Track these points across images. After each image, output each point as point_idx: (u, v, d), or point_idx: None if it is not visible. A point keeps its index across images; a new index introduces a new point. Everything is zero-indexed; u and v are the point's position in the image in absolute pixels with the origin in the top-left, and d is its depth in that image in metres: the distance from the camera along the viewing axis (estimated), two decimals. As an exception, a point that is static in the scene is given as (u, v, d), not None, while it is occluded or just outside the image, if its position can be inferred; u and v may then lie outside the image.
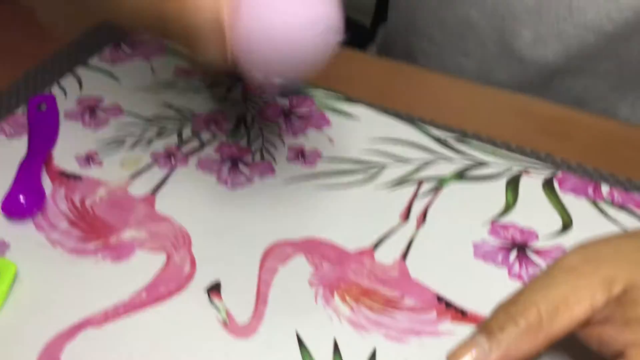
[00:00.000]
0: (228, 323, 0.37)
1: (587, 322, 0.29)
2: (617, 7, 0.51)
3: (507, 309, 0.29)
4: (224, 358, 0.36)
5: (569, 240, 0.41)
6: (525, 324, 0.28)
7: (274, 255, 0.41)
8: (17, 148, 0.49)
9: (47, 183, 0.46)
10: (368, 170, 0.46)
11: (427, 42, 0.65)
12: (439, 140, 0.48)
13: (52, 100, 0.52)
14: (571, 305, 0.29)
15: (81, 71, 0.56)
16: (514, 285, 0.38)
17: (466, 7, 0.58)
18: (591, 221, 0.42)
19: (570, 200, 0.43)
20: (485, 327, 0.29)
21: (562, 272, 0.30)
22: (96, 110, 0.52)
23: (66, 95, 0.54)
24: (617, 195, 0.43)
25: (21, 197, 0.44)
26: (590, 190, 0.44)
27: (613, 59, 0.55)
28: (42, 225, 0.43)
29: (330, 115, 0.51)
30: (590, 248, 0.31)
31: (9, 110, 0.53)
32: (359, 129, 0.49)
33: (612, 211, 0.42)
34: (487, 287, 0.38)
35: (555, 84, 0.59)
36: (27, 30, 0.61)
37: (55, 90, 0.54)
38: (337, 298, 0.38)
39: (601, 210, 0.42)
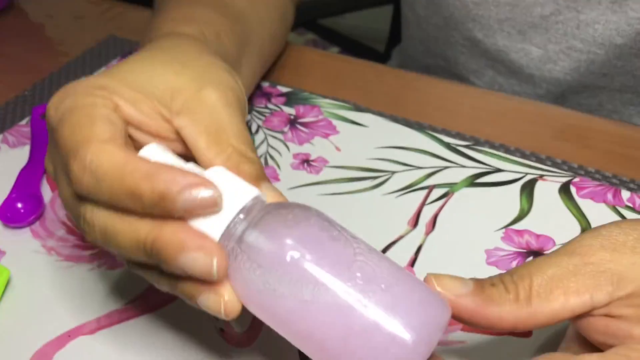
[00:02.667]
0: (226, 331, 0.35)
1: (584, 315, 0.26)
2: (626, 21, 0.50)
3: (503, 276, 0.27)
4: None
5: (588, 246, 0.38)
6: (514, 293, 0.26)
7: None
8: (19, 157, 0.48)
9: (46, 191, 0.45)
10: (376, 177, 0.44)
11: (442, 61, 0.64)
12: (450, 147, 0.46)
13: (55, 110, 0.51)
14: (569, 292, 0.25)
15: (87, 83, 0.55)
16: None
17: (469, 27, 0.57)
18: (612, 227, 0.39)
19: (588, 205, 0.41)
20: (477, 279, 0.27)
21: (569, 254, 0.26)
22: (100, 120, 0.51)
23: (71, 105, 0.53)
24: (639, 200, 0.41)
25: (19, 204, 0.43)
26: (609, 196, 0.41)
27: (626, 75, 0.53)
28: (38, 233, 0.42)
29: (337, 124, 0.49)
30: (607, 235, 0.27)
31: (14, 121, 0.52)
32: (367, 137, 0.48)
33: (633, 217, 0.40)
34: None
35: (569, 101, 0.57)
36: (37, 43, 0.62)
37: (61, 102, 0.53)
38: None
39: (622, 217, 0.40)
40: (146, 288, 0.38)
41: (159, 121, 0.31)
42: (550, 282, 0.26)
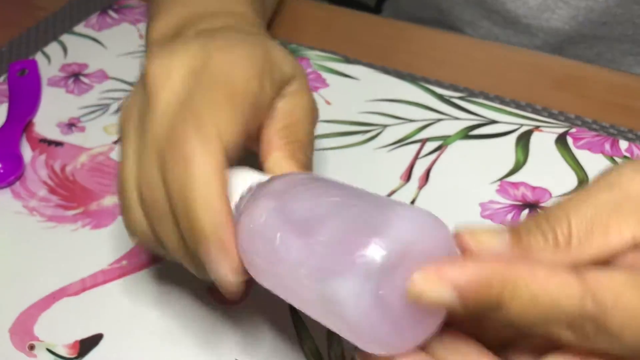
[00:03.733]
0: (214, 289, 0.34)
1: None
2: None
3: (538, 220, 0.24)
4: (211, 326, 0.33)
5: (585, 198, 0.37)
6: (553, 240, 0.23)
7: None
8: (-3, 116, 0.46)
9: (26, 150, 0.44)
10: (367, 131, 0.43)
11: (435, 13, 0.61)
12: (443, 99, 0.45)
13: (33, 66, 0.49)
14: (609, 232, 0.23)
15: (66, 38, 0.53)
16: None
17: None
18: (609, 178, 0.38)
19: (585, 156, 0.40)
20: (512, 227, 0.24)
21: (606, 188, 0.24)
22: (80, 77, 0.49)
23: (50, 61, 0.51)
24: (637, 151, 0.40)
25: (-2, 164, 0.41)
26: (607, 146, 0.40)
27: (625, 23, 0.52)
28: (19, 193, 0.41)
29: (327, 77, 0.48)
30: (633, 169, 0.24)
31: (-9, 79, 0.50)
32: (358, 90, 0.46)
33: (632, 168, 0.39)
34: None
35: (566, 52, 0.55)
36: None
37: (39, 58, 0.51)
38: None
39: (620, 167, 0.39)
40: (131, 248, 0.37)
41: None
42: (590, 223, 0.23)
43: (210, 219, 0.26)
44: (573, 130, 0.42)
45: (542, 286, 0.21)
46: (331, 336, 0.32)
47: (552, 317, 0.21)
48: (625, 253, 0.24)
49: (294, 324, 0.33)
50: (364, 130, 0.43)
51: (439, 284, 0.21)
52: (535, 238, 0.24)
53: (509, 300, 0.21)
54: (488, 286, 0.21)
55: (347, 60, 0.49)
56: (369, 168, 0.41)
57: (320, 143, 0.42)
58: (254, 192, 0.27)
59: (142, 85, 0.30)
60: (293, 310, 0.33)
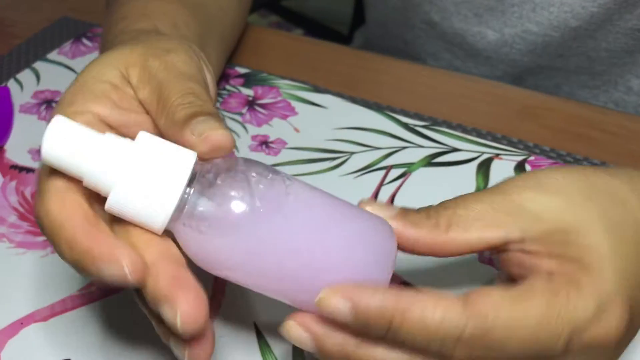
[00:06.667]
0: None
1: (501, 249, 0.28)
2: (580, 3, 0.50)
3: (431, 206, 0.28)
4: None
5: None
6: (435, 220, 0.27)
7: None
8: (-32, 142, 0.46)
9: (-3, 177, 0.44)
10: (335, 158, 0.44)
11: (401, 44, 0.64)
12: (408, 127, 0.46)
13: (6, 93, 0.50)
14: (485, 226, 0.27)
15: (40, 65, 0.54)
16: (484, 271, 0.37)
17: (427, 9, 0.57)
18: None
19: (543, 183, 0.41)
20: (401, 208, 0.28)
21: (496, 192, 0.28)
22: (53, 104, 0.50)
23: (22, 88, 0.52)
24: (591, 178, 0.42)
25: (-32, 190, 0.42)
26: (563, 174, 0.42)
27: (581, 56, 0.54)
28: (-11, 219, 0.41)
29: (296, 105, 0.49)
30: (532, 175, 0.28)
31: (-37, 105, 0.50)
32: (326, 118, 0.48)
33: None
34: (456, 272, 0.36)
35: (526, 82, 0.58)
36: (-15, 25, 0.60)
37: (12, 84, 0.52)
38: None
39: (575, 194, 0.41)
40: (101, 273, 0.37)
41: (134, 106, 0.30)
42: (471, 215, 0.27)
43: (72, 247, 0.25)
44: (532, 158, 0.43)
45: (429, 312, 0.24)
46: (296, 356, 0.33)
47: (439, 339, 0.24)
48: (510, 254, 0.27)
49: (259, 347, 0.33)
50: (331, 157, 0.44)
51: (342, 303, 0.24)
52: (419, 216, 0.28)
53: (398, 326, 0.24)
54: (380, 316, 0.24)
55: (316, 89, 0.50)
56: (336, 194, 0.41)
57: (288, 169, 0.43)
58: (214, 181, 0.26)
59: None
60: (260, 335, 0.34)
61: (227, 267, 0.27)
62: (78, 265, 0.25)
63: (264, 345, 0.33)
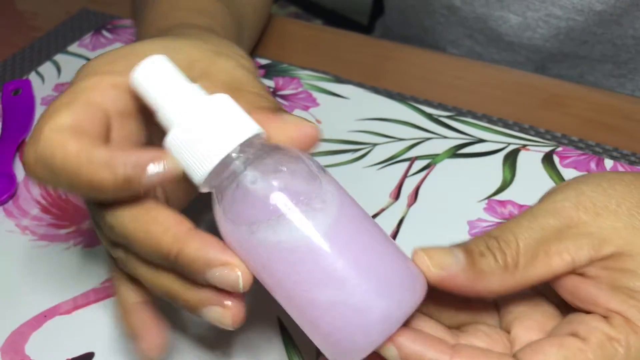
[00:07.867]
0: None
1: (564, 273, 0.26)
2: None
3: (488, 242, 0.26)
4: (203, 343, 0.33)
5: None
6: (503, 262, 0.25)
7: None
8: (-10, 135, 0.47)
9: (19, 169, 0.44)
10: (357, 150, 0.44)
11: (420, 32, 0.63)
12: (432, 118, 0.46)
13: (27, 85, 0.50)
14: (551, 254, 0.25)
15: (60, 58, 0.54)
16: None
17: None
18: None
19: (572, 175, 0.40)
20: (465, 248, 0.26)
21: (551, 214, 0.26)
22: (74, 96, 0.50)
23: (44, 81, 0.52)
24: (622, 169, 0.41)
25: (-9, 183, 0.42)
26: (592, 165, 0.41)
27: (606, 43, 0.53)
28: (12, 212, 0.41)
29: (317, 96, 0.48)
30: (587, 194, 0.26)
31: (-15, 98, 0.51)
32: (348, 109, 0.47)
33: (616, 185, 0.40)
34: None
35: (549, 70, 0.56)
36: (7, 18, 0.60)
37: (33, 77, 0.52)
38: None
39: (605, 185, 0.40)
40: (123, 266, 0.37)
41: None
42: (535, 246, 0.25)
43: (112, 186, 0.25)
44: (559, 149, 0.42)
45: None
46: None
47: None
48: (565, 279, 0.26)
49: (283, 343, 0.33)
50: (353, 149, 0.44)
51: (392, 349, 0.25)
52: (487, 260, 0.25)
53: None
54: None
55: (338, 79, 0.49)
56: (359, 186, 0.41)
57: (310, 162, 0.43)
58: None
59: None
60: (283, 329, 0.34)
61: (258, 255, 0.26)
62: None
63: (287, 340, 0.33)
